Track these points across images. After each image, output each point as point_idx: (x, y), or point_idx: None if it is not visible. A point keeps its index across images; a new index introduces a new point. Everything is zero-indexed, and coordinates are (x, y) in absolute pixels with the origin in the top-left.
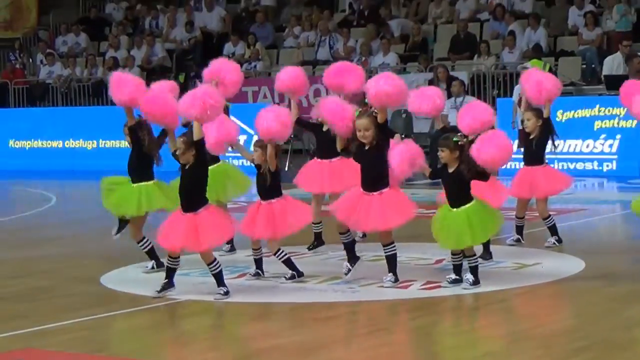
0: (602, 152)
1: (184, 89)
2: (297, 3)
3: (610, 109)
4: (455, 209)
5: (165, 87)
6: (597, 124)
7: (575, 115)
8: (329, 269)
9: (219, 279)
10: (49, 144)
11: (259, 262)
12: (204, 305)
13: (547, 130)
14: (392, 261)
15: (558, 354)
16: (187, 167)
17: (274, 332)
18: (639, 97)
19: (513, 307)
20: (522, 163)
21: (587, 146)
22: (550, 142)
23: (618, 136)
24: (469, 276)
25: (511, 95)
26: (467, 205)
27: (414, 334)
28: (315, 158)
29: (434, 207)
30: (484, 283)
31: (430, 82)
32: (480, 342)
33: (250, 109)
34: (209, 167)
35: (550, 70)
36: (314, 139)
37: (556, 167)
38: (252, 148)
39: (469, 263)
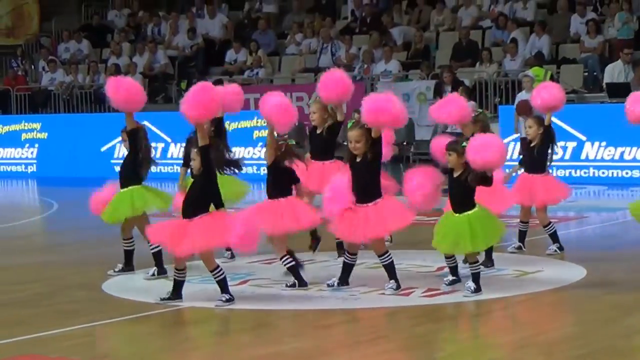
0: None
1: None
2: (299, 10)
3: None
4: (457, 214)
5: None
6: None
7: None
8: (330, 276)
9: (222, 285)
10: None
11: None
12: (206, 312)
13: (548, 137)
14: (390, 269)
15: (562, 359)
16: (196, 175)
17: (275, 339)
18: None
19: (514, 314)
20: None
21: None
22: (550, 150)
23: None
24: (470, 284)
25: (513, 103)
26: (470, 212)
27: (415, 342)
28: (310, 159)
29: (436, 214)
30: (486, 290)
31: (436, 87)
32: (482, 350)
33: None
34: None
35: (551, 78)
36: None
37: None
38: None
39: (471, 270)
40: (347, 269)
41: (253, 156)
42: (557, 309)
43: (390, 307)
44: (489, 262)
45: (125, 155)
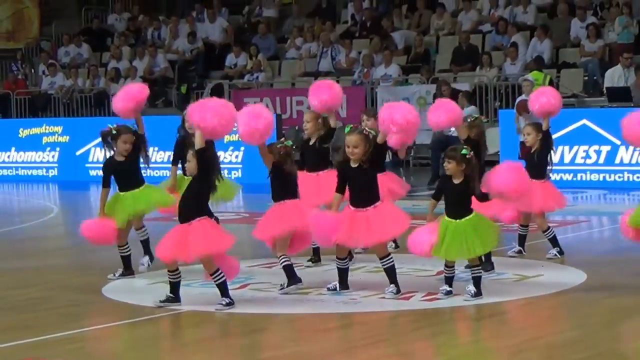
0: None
1: (186, 99)
2: (299, 14)
3: None
4: (457, 220)
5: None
6: None
7: None
8: (330, 280)
9: (222, 289)
10: None
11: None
12: (205, 316)
13: (547, 143)
14: (391, 273)
15: None
16: (192, 178)
17: (275, 343)
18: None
19: (515, 318)
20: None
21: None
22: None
23: None
24: (470, 288)
25: (513, 107)
26: (467, 217)
27: (416, 346)
28: (305, 171)
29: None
30: (486, 294)
31: (434, 97)
32: (482, 354)
33: None
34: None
35: (550, 82)
36: None
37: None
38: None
39: (472, 273)
40: (343, 273)
41: (224, 160)
42: (557, 313)
43: (390, 311)
44: (488, 265)
45: (123, 160)
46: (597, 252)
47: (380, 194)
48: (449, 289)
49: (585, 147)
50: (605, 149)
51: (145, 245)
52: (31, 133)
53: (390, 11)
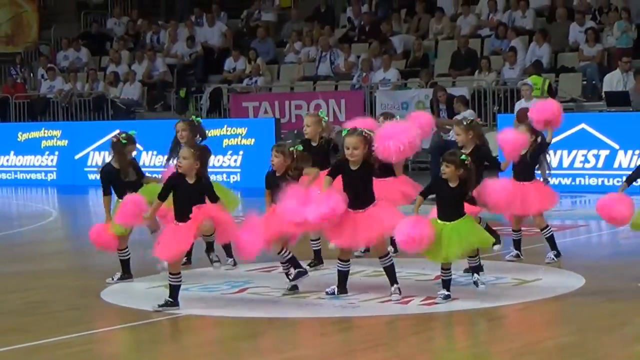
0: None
1: (185, 104)
2: (298, 18)
3: None
4: (449, 223)
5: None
6: None
7: None
8: (329, 284)
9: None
10: None
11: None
12: (204, 320)
13: (541, 146)
14: (391, 272)
15: None
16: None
17: (275, 347)
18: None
19: (513, 322)
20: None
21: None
22: (545, 162)
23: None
24: (477, 277)
25: (512, 112)
26: (460, 219)
27: (415, 350)
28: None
29: None
30: (484, 299)
31: (431, 105)
32: (481, 358)
33: (251, 123)
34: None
35: (550, 87)
36: None
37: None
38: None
39: (470, 263)
40: (343, 277)
41: (222, 164)
42: (555, 318)
43: (389, 315)
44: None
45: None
46: (595, 256)
47: (393, 198)
48: (447, 293)
49: (584, 152)
50: (604, 153)
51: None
52: (30, 137)
53: (389, 15)
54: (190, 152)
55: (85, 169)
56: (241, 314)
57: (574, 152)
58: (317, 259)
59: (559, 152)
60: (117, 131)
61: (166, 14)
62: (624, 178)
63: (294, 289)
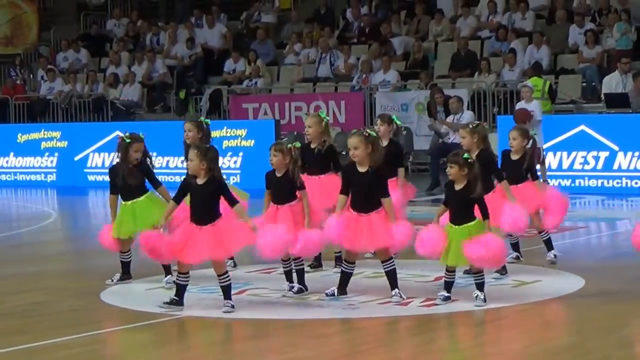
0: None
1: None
2: (298, 20)
3: None
4: (457, 226)
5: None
6: None
7: None
8: (329, 286)
9: (226, 291)
10: None
11: (289, 275)
12: (205, 321)
13: (532, 151)
14: (392, 276)
15: None
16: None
17: (275, 349)
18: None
19: (513, 324)
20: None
21: None
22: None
23: None
24: (479, 294)
25: (511, 113)
26: (470, 224)
27: (415, 351)
28: (306, 174)
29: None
30: (482, 303)
31: (428, 107)
32: None
33: (250, 124)
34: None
35: (550, 88)
36: None
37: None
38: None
39: (475, 280)
40: (345, 278)
41: (222, 165)
42: (555, 319)
43: (389, 317)
44: (502, 269)
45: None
46: (595, 258)
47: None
48: (447, 294)
49: (584, 153)
50: (603, 154)
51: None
52: (30, 138)
53: (389, 17)
54: (194, 153)
55: (85, 170)
56: (240, 315)
57: (573, 153)
58: (317, 262)
59: (558, 154)
60: (126, 131)
61: (166, 16)
62: (624, 179)
63: (300, 291)
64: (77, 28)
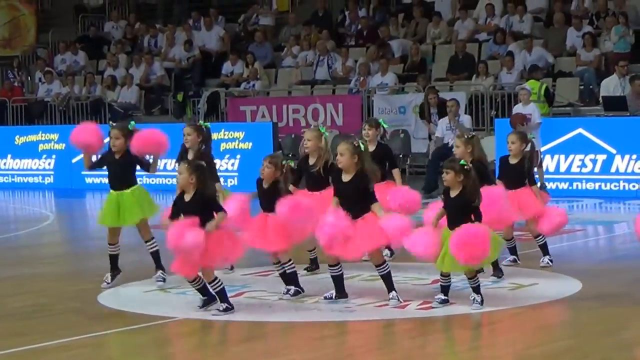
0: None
1: (182, 107)
2: (296, 23)
3: None
4: (453, 232)
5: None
6: None
7: None
8: (328, 288)
9: (222, 296)
10: None
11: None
12: (201, 323)
13: (530, 155)
14: (388, 279)
15: None
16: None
17: (272, 351)
18: None
19: (511, 327)
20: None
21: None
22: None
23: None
24: (475, 297)
25: (509, 116)
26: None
27: (411, 354)
28: (306, 190)
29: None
30: (479, 306)
31: (421, 109)
32: None
33: (248, 127)
34: None
35: (547, 90)
36: None
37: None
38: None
39: (471, 284)
40: (338, 280)
41: (220, 168)
42: (552, 322)
43: (386, 320)
44: (499, 272)
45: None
46: (592, 261)
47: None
48: (444, 297)
49: (581, 156)
50: (601, 158)
51: (156, 257)
52: (27, 140)
53: (387, 20)
54: (184, 167)
55: (83, 173)
56: (238, 318)
57: (571, 156)
58: (314, 264)
59: (556, 157)
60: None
61: (164, 18)
62: (621, 182)
63: (297, 293)
64: (75, 30)
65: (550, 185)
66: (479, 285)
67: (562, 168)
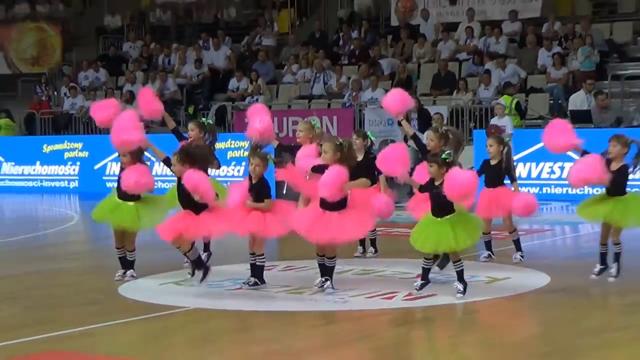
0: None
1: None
2: (295, 43)
3: None
4: (439, 219)
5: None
6: None
7: None
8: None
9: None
10: None
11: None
12: (209, 312)
13: (507, 154)
14: (331, 271)
15: (526, 358)
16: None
17: (270, 338)
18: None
19: (486, 316)
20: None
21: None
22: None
23: None
24: (458, 286)
25: (486, 127)
26: (451, 215)
27: (397, 341)
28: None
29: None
30: (461, 296)
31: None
32: (456, 348)
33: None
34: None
35: (517, 105)
36: None
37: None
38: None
39: (455, 268)
40: (324, 268)
41: (227, 174)
42: (523, 312)
43: (375, 310)
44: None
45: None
46: (559, 257)
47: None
48: (422, 282)
49: (551, 164)
50: (568, 165)
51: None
52: (54, 149)
53: (377, 41)
54: (175, 158)
55: (104, 178)
56: (242, 307)
57: (541, 164)
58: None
59: (528, 164)
60: None
61: (176, 39)
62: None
63: (256, 284)
64: (96, 50)
65: (522, 190)
66: (462, 270)
67: (534, 174)
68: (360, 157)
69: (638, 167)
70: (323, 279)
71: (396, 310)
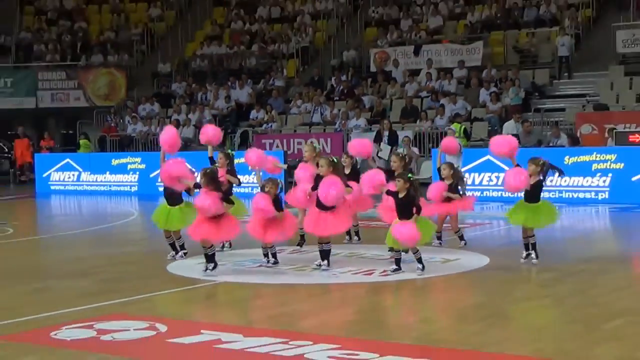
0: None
1: (223, 141)
2: (299, 84)
3: None
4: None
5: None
6: None
7: None
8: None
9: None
10: None
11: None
12: (233, 285)
13: (456, 176)
14: (327, 254)
15: (472, 318)
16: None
17: (277, 303)
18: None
19: (442, 288)
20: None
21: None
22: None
23: None
24: (419, 265)
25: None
26: (412, 218)
27: (374, 306)
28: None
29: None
30: (422, 272)
31: (377, 134)
32: (419, 312)
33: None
34: None
35: (465, 130)
36: None
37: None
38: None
39: (415, 255)
40: (325, 254)
41: (246, 182)
42: (470, 284)
43: (358, 283)
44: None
45: None
46: (496, 243)
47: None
48: (395, 267)
49: (489, 174)
50: (502, 175)
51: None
52: (120, 162)
53: (360, 82)
54: (203, 181)
55: (157, 184)
56: (259, 280)
57: (482, 174)
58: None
59: (473, 174)
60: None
61: (211, 80)
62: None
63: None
64: (152, 89)
65: (470, 194)
66: (420, 257)
67: (477, 182)
68: (347, 171)
69: (547, 177)
70: (321, 261)
71: (374, 283)
